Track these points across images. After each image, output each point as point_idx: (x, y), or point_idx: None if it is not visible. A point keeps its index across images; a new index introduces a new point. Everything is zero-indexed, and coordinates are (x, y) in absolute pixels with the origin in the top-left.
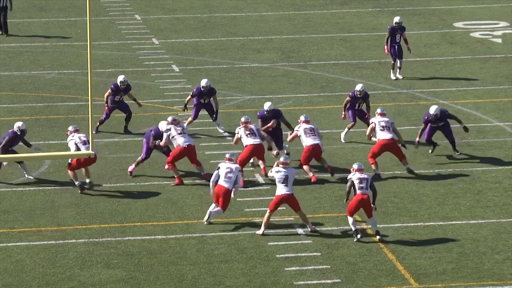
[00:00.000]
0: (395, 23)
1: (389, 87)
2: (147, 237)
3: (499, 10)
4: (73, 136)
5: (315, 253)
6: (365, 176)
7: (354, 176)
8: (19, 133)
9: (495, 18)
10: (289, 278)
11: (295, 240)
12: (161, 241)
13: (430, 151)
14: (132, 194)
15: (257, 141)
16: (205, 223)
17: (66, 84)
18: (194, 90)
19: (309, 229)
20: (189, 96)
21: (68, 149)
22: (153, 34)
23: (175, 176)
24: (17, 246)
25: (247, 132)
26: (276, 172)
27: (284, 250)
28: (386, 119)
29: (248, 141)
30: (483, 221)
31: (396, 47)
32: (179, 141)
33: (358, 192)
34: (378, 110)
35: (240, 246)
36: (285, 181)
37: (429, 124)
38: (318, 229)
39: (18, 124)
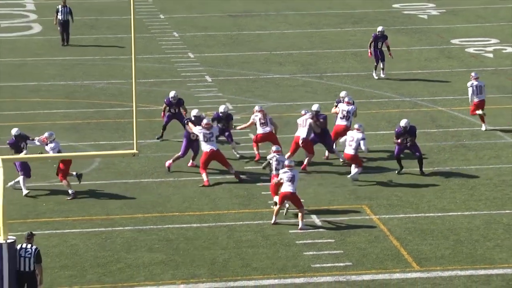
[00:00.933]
0: (378, 31)
1: (394, 95)
2: (184, 225)
3: (491, 28)
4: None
5: (329, 240)
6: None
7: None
8: (14, 139)
9: (487, 35)
10: (307, 261)
11: (312, 228)
12: (196, 229)
13: (396, 172)
14: (171, 188)
15: (267, 130)
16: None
17: (113, 92)
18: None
19: (300, 225)
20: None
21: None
22: (189, 49)
23: (204, 179)
24: (72, 233)
25: (262, 121)
26: (284, 173)
27: (302, 237)
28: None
29: (259, 130)
30: (476, 212)
31: (378, 52)
32: (204, 148)
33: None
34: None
35: (265, 233)
36: (291, 180)
37: (399, 140)
38: (331, 219)
39: (12, 131)
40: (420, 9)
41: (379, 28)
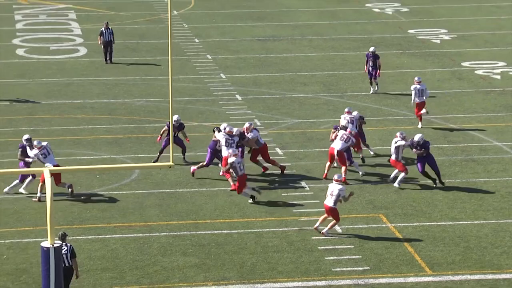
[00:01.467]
0: (370, 51)
1: (409, 113)
2: (215, 232)
3: (498, 52)
4: (37, 150)
5: (349, 246)
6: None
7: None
8: (25, 143)
9: (495, 59)
10: (328, 265)
11: (333, 235)
12: (226, 235)
13: (434, 185)
14: (204, 197)
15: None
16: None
17: (152, 109)
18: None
19: (325, 230)
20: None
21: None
22: (221, 70)
23: (231, 183)
24: (113, 238)
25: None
26: (329, 186)
27: (324, 243)
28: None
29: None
30: (484, 221)
31: (371, 69)
32: (224, 153)
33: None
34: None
35: (289, 240)
36: (333, 194)
37: (417, 158)
38: (350, 227)
39: (24, 137)
40: (433, 34)
41: (371, 49)
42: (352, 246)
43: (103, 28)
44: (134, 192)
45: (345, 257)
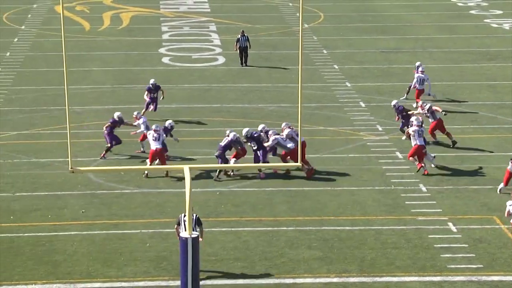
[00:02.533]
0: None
1: None
2: (338, 228)
3: None
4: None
5: (463, 245)
6: None
7: None
8: (117, 119)
9: None
10: (444, 262)
11: (449, 234)
12: (348, 231)
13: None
14: (328, 196)
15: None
16: None
17: (282, 114)
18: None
19: None
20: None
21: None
22: (346, 79)
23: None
24: (244, 230)
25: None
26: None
27: (440, 241)
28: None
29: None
30: None
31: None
32: (288, 145)
33: None
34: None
35: (407, 237)
36: None
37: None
38: (465, 227)
39: (117, 113)
40: None
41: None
42: (467, 245)
43: (239, 36)
44: (265, 189)
45: (460, 255)
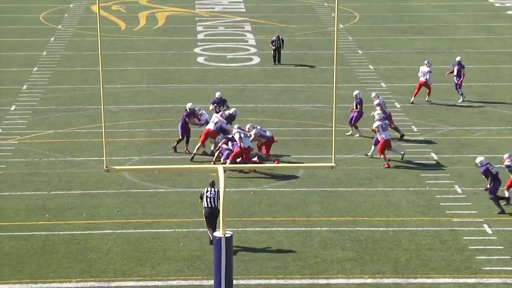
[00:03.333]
0: (457, 60)
1: None
2: (372, 229)
3: None
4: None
5: (499, 247)
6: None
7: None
8: (189, 111)
9: None
10: (479, 264)
11: (484, 236)
12: (382, 232)
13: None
14: (362, 196)
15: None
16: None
17: (317, 114)
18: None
19: None
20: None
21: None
22: (381, 80)
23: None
24: (278, 230)
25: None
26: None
27: (475, 243)
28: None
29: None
30: None
31: (455, 78)
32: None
33: None
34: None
35: (442, 239)
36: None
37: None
38: (500, 229)
39: (189, 104)
40: None
41: (458, 58)
42: (502, 247)
43: (274, 38)
44: (298, 190)
45: (495, 257)
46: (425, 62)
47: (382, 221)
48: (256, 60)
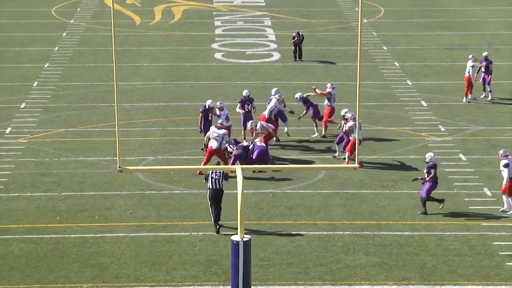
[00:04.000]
0: (483, 56)
1: None
2: (397, 233)
3: None
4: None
5: None
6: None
7: None
8: (207, 107)
9: None
10: (509, 271)
11: None
12: (408, 236)
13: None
14: (387, 199)
15: None
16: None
17: (339, 112)
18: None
19: None
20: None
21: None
22: (407, 77)
23: None
24: (299, 234)
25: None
26: None
27: (506, 249)
28: None
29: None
30: None
31: (483, 74)
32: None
33: None
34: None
35: (470, 244)
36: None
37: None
38: None
39: (208, 101)
40: None
41: (484, 54)
42: None
43: (294, 33)
44: (320, 192)
45: None
46: (470, 56)
47: (408, 225)
48: (276, 56)
